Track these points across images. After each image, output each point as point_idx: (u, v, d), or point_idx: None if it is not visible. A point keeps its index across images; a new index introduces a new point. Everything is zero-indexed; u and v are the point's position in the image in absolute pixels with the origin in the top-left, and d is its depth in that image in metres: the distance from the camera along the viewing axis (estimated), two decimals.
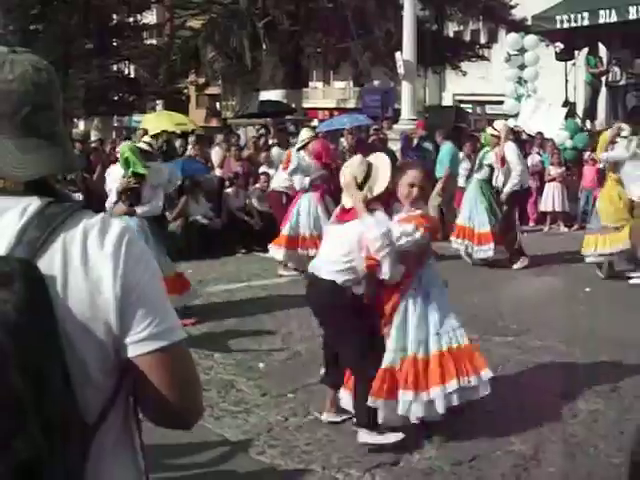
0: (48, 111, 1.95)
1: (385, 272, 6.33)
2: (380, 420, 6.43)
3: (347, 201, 6.65)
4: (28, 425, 1.66)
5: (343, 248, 6.52)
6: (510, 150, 13.68)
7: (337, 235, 6.69)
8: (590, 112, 22.36)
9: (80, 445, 1.81)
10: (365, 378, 6.41)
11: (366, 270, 6.44)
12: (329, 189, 13.40)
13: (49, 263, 1.81)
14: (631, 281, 12.63)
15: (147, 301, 1.89)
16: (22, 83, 1.89)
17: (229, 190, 16.68)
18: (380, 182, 6.55)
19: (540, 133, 20.60)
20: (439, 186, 16.80)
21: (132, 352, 1.88)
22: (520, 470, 6.11)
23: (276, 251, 13.41)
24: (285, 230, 13.32)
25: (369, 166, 6.61)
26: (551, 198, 19.11)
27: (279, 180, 14.86)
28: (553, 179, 19.17)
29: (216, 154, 18.57)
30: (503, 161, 13.56)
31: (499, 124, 14.13)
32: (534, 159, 19.61)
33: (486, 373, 6.51)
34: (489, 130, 14.19)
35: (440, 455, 6.33)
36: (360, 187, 6.51)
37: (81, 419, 1.81)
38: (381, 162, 6.73)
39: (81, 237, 1.86)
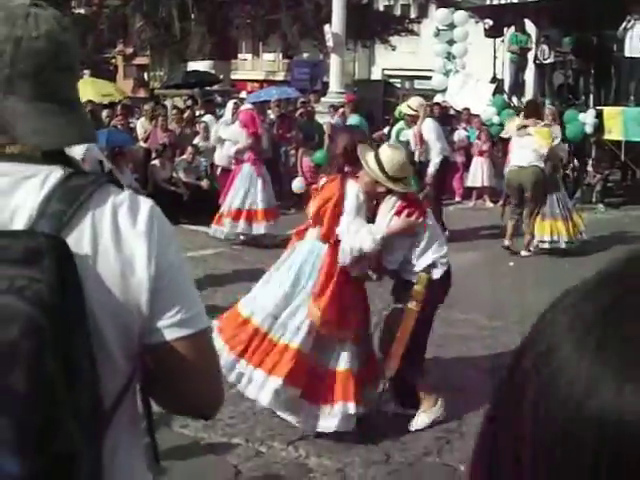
0: (70, 74, 1.84)
1: None
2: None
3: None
4: (62, 415, 1.56)
5: None
6: (427, 128, 13.70)
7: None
8: (515, 89, 22.52)
9: (100, 432, 1.71)
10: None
11: None
12: (261, 158, 13.75)
13: (77, 240, 1.69)
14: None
15: (178, 285, 1.81)
16: (48, 42, 1.75)
17: (155, 162, 16.51)
18: None
19: (467, 109, 20.73)
20: None
21: (162, 337, 1.79)
22: (443, 443, 6.17)
23: (219, 228, 13.64)
24: (227, 206, 13.53)
25: None
26: (480, 173, 19.24)
27: (220, 156, 14.99)
28: (481, 154, 19.29)
29: (141, 126, 18.36)
30: (422, 140, 13.59)
31: (415, 102, 14.12)
32: (460, 134, 19.73)
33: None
34: (404, 109, 14.24)
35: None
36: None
37: (102, 406, 1.71)
38: None
39: (111, 214, 1.75)
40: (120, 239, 1.74)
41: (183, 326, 1.79)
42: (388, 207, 6.37)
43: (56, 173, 1.75)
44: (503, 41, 22.86)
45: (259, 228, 13.36)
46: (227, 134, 14.09)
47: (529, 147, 13.16)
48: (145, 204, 1.81)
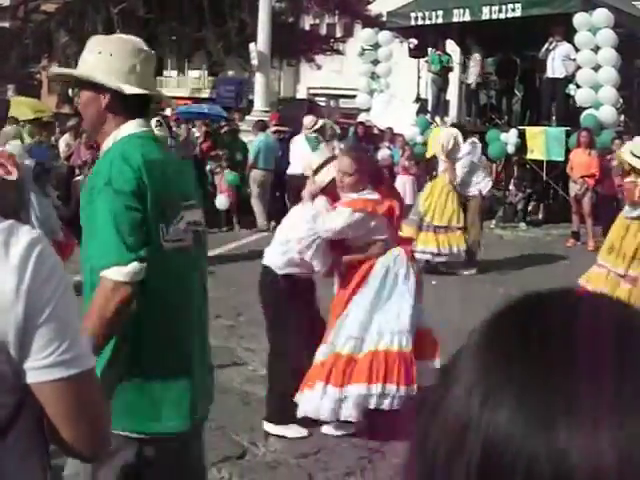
0: None
1: (316, 267, 6.32)
2: (301, 414, 6.39)
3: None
4: None
5: (282, 233, 6.58)
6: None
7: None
8: (438, 109, 22.71)
9: None
10: (282, 374, 6.45)
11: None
12: None
13: None
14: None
15: (55, 324, 1.69)
16: None
17: (79, 178, 16.35)
18: (321, 174, 6.39)
19: (390, 128, 20.83)
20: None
21: (32, 378, 1.69)
22: (365, 462, 6.15)
23: None
24: None
25: (328, 158, 6.51)
26: (402, 191, 19.29)
27: None
28: (405, 172, 19.32)
29: (65, 143, 18.13)
30: None
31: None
32: (384, 153, 19.81)
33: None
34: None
35: (285, 448, 6.33)
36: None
37: None
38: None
39: None
40: None
41: (60, 367, 1.70)
42: None
43: None
44: (427, 61, 23.08)
45: None
46: None
47: None
48: (25, 237, 1.70)
